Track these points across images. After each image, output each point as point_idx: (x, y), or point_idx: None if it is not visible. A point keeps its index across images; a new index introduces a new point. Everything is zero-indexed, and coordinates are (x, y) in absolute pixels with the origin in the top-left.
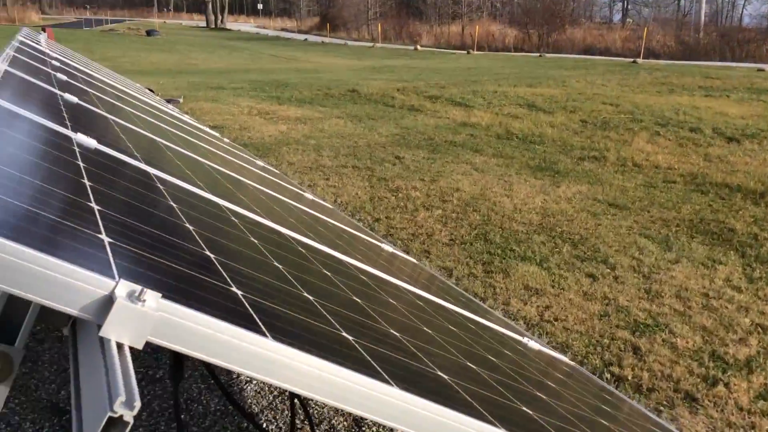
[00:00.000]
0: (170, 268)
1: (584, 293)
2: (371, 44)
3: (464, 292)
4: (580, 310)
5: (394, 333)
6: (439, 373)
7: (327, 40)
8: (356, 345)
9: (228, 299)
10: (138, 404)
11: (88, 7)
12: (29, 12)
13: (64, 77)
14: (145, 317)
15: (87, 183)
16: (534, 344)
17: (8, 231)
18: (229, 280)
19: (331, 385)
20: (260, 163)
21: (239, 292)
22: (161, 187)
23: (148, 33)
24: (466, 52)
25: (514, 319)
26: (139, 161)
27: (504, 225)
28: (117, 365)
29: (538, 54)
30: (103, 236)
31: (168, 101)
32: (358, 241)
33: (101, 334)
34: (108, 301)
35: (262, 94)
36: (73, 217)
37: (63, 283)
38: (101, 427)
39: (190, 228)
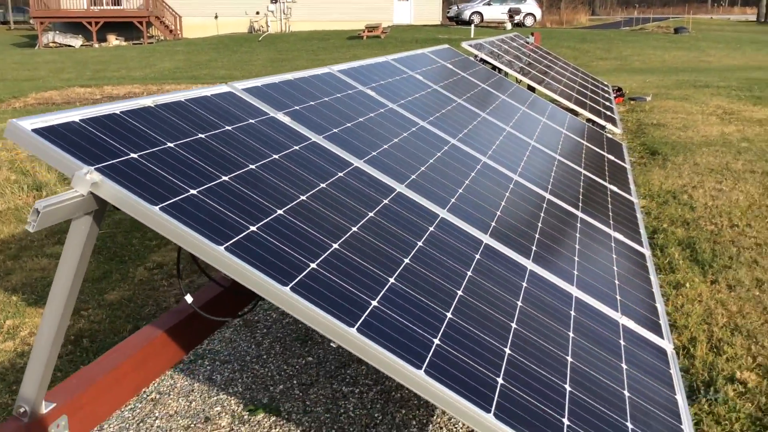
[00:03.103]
0: None
1: None
2: None
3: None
4: None
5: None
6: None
7: None
8: None
9: None
10: None
11: (637, 5)
12: (579, 14)
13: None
14: None
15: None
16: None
17: None
18: None
19: None
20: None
21: None
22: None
23: (676, 30)
24: None
25: None
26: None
27: None
28: None
29: None
30: None
31: (632, 99)
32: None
33: None
34: None
35: (744, 94)
36: None
37: None
38: None
39: None
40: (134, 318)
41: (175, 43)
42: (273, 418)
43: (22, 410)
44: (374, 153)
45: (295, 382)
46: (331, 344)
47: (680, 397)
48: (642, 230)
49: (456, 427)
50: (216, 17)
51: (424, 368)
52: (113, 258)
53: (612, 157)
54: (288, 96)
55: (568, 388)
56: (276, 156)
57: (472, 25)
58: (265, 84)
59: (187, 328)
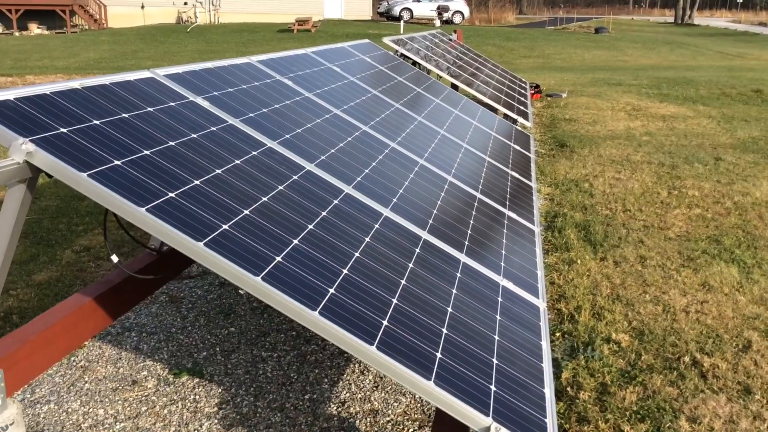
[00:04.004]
0: None
1: None
2: None
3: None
4: None
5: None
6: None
7: None
8: None
9: None
10: None
11: (562, 6)
12: (507, 13)
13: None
14: None
15: None
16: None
17: None
18: None
19: None
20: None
21: None
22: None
23: (596, 31)
24: None
25: None
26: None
27: None
28: None
29: None
30: None
31: (549, 95)
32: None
33: None
34: None
35: (652, 91)
36: None
37: None
38: None
39: None
40: (62, 296)
41: (99, 33)
42: (196, 380)
43: None
44: (287, 136)
45: (217, 349)
46: (240, 291)
47: (545, 343)
48: (536, 211)
49: (364, 383)
50: (143, 7)
51: (318, 310)
52: (40, 242)
53: (518, 147)
54: (207, 83)
55: (444, 330)
56: (194, 135)
57: (402, 21)
58: (186, 71)
59: (116, 295)
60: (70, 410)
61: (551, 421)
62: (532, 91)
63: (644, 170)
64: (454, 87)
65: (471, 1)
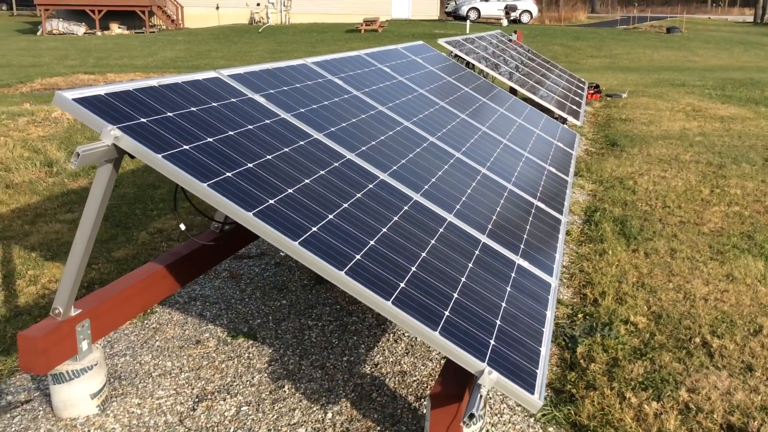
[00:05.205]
0: None
1: None
2: None
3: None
4: None
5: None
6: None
7: None
8: None
9: None
10: None
11: (636, 4)
12: (578, 11)
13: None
14: None
15: None
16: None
17: None
18: None
19: None
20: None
21: None
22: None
23: (668, 30)
24: None
25: None
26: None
27: None
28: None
29: None
30: None
31: (609, 96)
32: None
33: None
34: None
35: (715, 93)
36: None
37: None
38: None
39: None
40: None
41: (176, 33)
42: (250, 342)
43: (56, 311)
44: (332, 129)
45: (270, 318)
46: (280, 253)
47: (549, 313)
48: (566, 202)
49: (396, 350)
50: (217, 8)
51: (344, 271)
52: (119, 224)
53: (561, 145)
54: (265, 82)
55: (455, 295)
56: (250, 126)
57: (468, 21)
58: (247, 72)
59: (183, 263)
60: (142, 362)
61: (541, 371)
62: (591, 91)
63: (690, 169)
64: (513, 91)
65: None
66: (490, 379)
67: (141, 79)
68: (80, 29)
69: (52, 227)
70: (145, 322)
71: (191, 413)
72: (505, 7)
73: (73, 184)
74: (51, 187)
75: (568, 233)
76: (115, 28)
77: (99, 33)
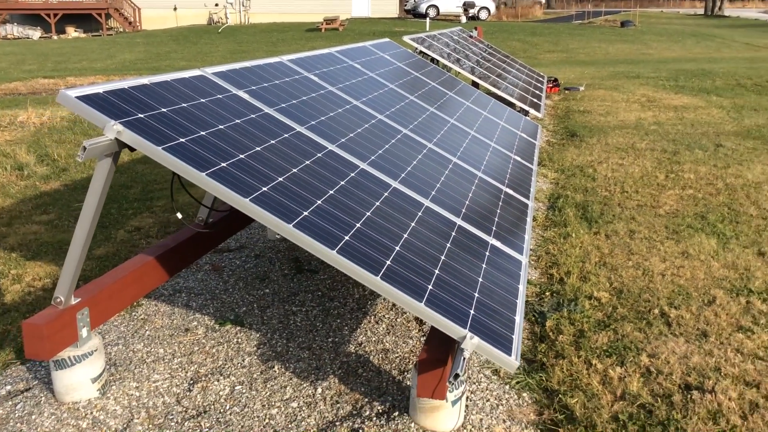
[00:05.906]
0: None
1: None
2: None
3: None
4: None
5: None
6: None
7: None
8: None
9: None
10: None
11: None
12: (534, 8)
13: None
14: None
15: None
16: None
17: None
18: None
19: None
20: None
21: None
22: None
23: (623, 24)
24: None
25: None
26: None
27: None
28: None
29: None
30: None
31: (567, 89)
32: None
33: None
34: None
35: (669, 83)
36: None
37: None
38: None
39: None
40: None
41: (134, 35)
42: (238, 328)
43: (58, 300)
44: (313, 122)
45: (255, 305)
46: (276, 236)
47: (521, 287)
48: (532, 188)
49: (378, 330)
50: (175, 9)
51: (336, 250)
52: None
53: (524, 135)
54: (247, 79)
55: (436, 272)
56: (238, 120)
57: (428, 18)
58: (229, 69)
59: (173, 254)
60: (135, 350)
61: (517, 336)
62: (550, 85)
63: (646, 156)
64: (475, 85)
65: None
66: (472, 343)
67: (134, 78)
68: (35, 33)
69: (29, 228)
70: (133, 314)
71: (187, 393)
72: (464, 4)
73: (46, 187)
74: (23, 190)
75: (534, 219)
76: (72, 32)
77: (55, 37)
